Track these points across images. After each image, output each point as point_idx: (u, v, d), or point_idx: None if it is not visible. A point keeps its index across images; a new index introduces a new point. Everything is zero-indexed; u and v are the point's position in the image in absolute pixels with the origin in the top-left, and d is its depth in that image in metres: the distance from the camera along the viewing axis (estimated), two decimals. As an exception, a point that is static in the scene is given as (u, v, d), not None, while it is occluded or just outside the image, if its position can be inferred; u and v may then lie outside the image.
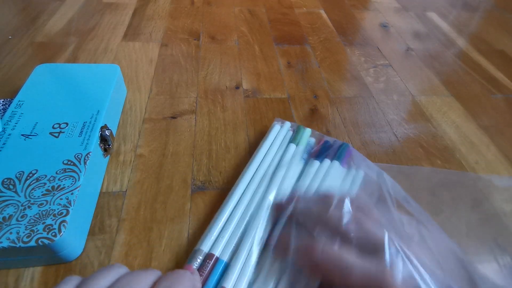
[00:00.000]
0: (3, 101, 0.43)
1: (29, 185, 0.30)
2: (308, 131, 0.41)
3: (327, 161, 0.37)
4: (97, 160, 0.36)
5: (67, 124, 0.37)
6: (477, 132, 0.49)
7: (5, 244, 0.27)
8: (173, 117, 0.46)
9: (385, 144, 0.45)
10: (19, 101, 0.39)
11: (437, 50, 0.67)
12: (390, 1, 0.85)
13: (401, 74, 0.59)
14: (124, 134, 0.43)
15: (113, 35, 0.62)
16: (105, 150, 0.38)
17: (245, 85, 0.53)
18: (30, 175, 0.31)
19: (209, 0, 0.77)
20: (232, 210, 0.32)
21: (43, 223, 0.28)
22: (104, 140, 0.38)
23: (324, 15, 0.76)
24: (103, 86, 0.42)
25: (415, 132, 0.48)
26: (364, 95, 0.53)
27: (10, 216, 0.28)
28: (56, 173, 0.32)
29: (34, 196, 0.30)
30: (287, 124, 0.42)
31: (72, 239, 0.29)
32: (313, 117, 0.48)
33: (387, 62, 0.62)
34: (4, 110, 0.42)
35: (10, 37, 0.59)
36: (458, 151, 0.45)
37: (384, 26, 0.74)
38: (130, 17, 0.68)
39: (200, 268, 0.28)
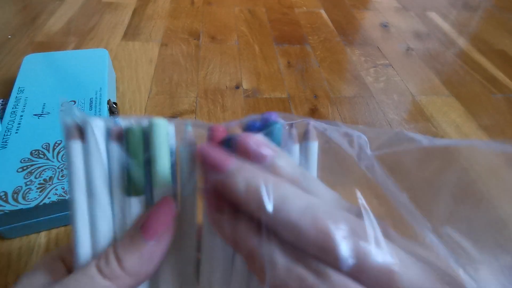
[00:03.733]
0: (2, 101, 0.43)
1: (59, 152, 0.33)
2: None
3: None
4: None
5: (75, 101, 0.39)
6: (478, 131, 0.49)
7: (54, 198, 0.29)
8: (173, 117, 0.46)
9: (386, 144, 0.45)
10: (19, 87, 0.41)
11: (437, 50, 0.67)
12: (390, 1, 0.85)
13: (401, 74, 0.59)
14: (123, 134, 0.43)
15: (113, 35, 0.62)
16: None
17: (245, 85, 0.53)
18: (56, 144, 0.34)
19: (209, 0, 0.77)
20: None
21: None
22: (112, 112, 0.41)
23: (324, 15, 0.76)
24: (98, 68, 0.45)
25: (415, 131, 0.48)
26: (364, 95, 0.53)
27: (51, 178, 0.31)
28: None
29: None
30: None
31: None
32: (313, 117, 0.48)
33: (387, 62, 0.62)
34: (3, 110, 0.42)
35: (9, 36, 0.59)
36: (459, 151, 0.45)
37: (384, 26, 0.74)
38: (130, 17, 0.68)
39: None
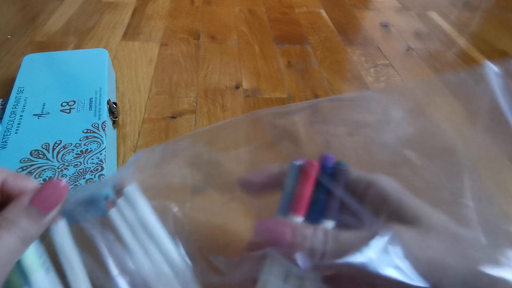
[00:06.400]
0: (1, 101, 0.43)
1: (59, 152, 0.34)
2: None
3: None
4: (110, 131, 0.39)
5: (74, 101, 0.39)
6: (479, 132, 0.48)
7: None
8: (173, 117, 0.46)
9: (386, 144, 0.45)
10: (19, 87, 0.41)
11: (438, 50, 0.67)
12: (390, 1, 0.85)
13: (401, 74, 0.59)
14: (123, 134, 0.43)
15: (113, 34, 0.62)
16: (113, 122, 0.41)
17: (245, 85, 0.53)
18: (56, 145, 0.34)
19: (209, -1, 0.77)
20: None
21: (84, 178, 0.32)
22: (111, 112, 0.41)
23: (325, 14, 0.75)
24: (97, 68, 0.45)
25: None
26: (364, 95, 0.53)
27: (50, 178, 0.31)
28: (80, 140, 0.35)
29: (67, 160, 0.33)
30: None
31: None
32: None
33: (387, 61, 0.62)
34: (3, 110, 0.42)
35: (9, 36, 0.59)
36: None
37: (384, 26, 0.73)
38: (130, 17, 0.67)
39: None
